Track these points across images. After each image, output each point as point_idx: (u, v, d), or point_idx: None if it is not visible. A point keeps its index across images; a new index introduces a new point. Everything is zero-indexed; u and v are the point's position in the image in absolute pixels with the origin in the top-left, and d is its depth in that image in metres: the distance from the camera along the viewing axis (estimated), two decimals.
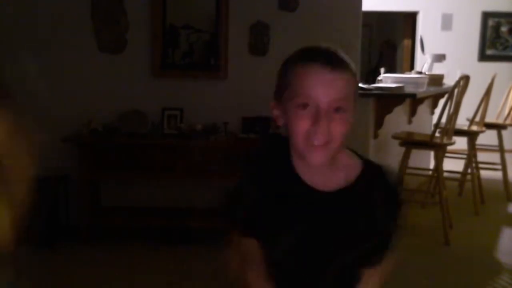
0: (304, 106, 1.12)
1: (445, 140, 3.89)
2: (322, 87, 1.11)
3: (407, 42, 8.06)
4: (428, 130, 4.81)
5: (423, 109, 5.00)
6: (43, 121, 4.06)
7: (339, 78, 1.12)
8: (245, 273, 1.26)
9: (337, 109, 1.12)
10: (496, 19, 7.36)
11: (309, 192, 1.21)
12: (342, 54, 1.16)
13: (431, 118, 5.50)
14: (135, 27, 3.78)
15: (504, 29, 7.40)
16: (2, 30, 3.77)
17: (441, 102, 4.22)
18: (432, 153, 4.89)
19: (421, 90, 4.22)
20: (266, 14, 3.76)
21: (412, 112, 4.74)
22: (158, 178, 3.76)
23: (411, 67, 7.36)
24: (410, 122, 4.76)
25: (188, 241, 3.63)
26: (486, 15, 7.34)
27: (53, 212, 3.61)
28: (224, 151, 3.64)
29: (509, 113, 5.12)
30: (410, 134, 4.24)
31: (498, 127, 5.00)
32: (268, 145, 1.34)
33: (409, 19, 7.80)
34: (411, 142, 3.99)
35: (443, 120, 3.88)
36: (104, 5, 3.74)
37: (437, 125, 3.93)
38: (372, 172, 1.24)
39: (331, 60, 1.12)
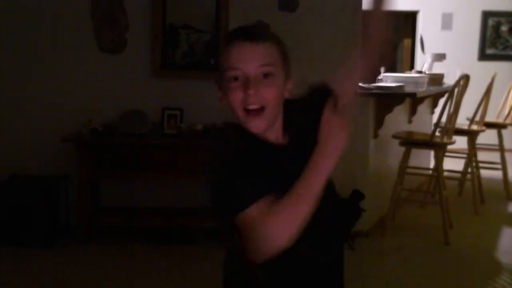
0: (235, 78, 1.25)
1: (445, 140, 3.89)
2: (245, 58, 1.24)
3: (407, 42, 8.06)
4: (428, 129, 4.81)
5: (423, 108, 4.99)
6: (43, 121, 4.08)
7: (259, 47, 1.25)
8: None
9: (265, 75, 1.24)
10: (496, 19, 7.36)
11: (274, 147, 1.31)
12: (262, 26, 1.28)
13: (431, 118, 5.50)
14: (135, 27, 3.78)
15: (504, 28, 7.40)
16: (2, 30, 3.78)
17: (441, 101, 4.22)
18: (432, 153, 4.89)
19: (421, 90, 4.22)
20: (266, 14, 3.75)
21: (412, 112, 4.74)
22: (158, 178, 3.76)
23: (411, 67, 7.36)
24: (410, 121, 4.76)
25: (188, 241, 3.63)
26: (486, 15, 7.34)
27: (53, 212, 3.61)
28: None
29: (509, 113, 5.12)
30: (410, 133, 4.24)
31: (498, 127, 5.00)
32: (224, 129, 1.41)
33: (409, 18, 7.80)
34: (411, 142, 3.99)
35: (443, 119, 3.88)
36: (104, 5, 3.74)
37: (437, 124, 3.93)
38: (293, 110, 1.34)
39: (248, 34, 1.27)
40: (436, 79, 4.84)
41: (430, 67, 5.23)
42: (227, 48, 1.28)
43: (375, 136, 3.90)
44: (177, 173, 3.61)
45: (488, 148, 5.19)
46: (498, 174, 5.02)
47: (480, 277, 3.29)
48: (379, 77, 4.57)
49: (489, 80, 4.56)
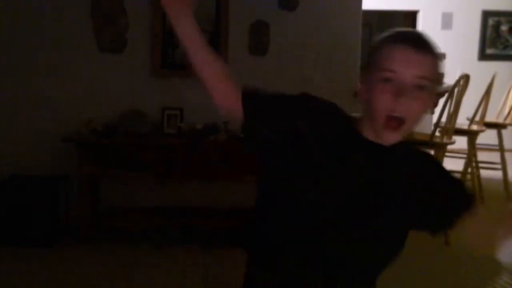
0: (387, 80, 1.19)
1: (445, 140, 3.89)
2: (407, 64, 1.19)
3: None
4: (428, 129, 4.80)
5: None
6: (43, 121, 4.08)
7: (424, 58, 1.20)
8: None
9: (419, 87, 1.19)
10: (496, 18, 7.36)
11: (364, 141, 1.28)
12: (429, 38, 1.24)
13: (431, 118, 5.49)
14: (135, 27, 3.77)
15: (504, 28, 7.40)
16: (2, 30, 3.77)
17: (441, 101, 4.22)
18: (432, 153, 4.88)
19: None
20: (266, 14, 3.76)
21: None
22: (158, 178, 3.75)
23: None
24: None
25: (188, 241, 3.63)
26: (486, 14, 7.34)
27: (53, 212, 3.61)
28: (224, 151, 3.63)
29: (509, 113, 5.12)
30: (410, 133, 4.22)
31: (498, 127, 5.00)
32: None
33: (409, 18, 7.79)
34: (411, 142, 3.98)
35: (443, 119, 3.88)
36: (104, 5, 3.73)
37: (437, 124, 3.93)
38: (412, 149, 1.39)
39: (418, 42, 1.21)
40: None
41: None
42: (388, 48, 1.21)
43: None
44: (177, 173, 3.60)
45: (488, 148, 5.19)
46: (498, 174, 5.02)
47: (480, 277, 3.29)
48: None
49: (489, 80, 4.56)
